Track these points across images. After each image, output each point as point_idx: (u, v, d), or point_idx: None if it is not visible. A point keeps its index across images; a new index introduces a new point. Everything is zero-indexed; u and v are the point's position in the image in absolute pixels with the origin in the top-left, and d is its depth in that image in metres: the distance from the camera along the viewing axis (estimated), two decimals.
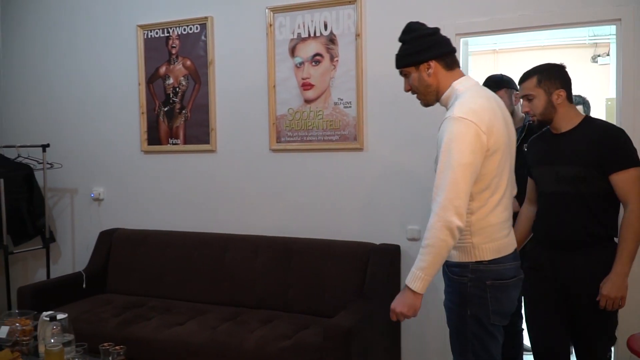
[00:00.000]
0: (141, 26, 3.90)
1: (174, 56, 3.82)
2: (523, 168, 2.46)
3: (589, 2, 2.85)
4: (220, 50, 3.70)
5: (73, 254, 4.28)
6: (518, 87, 2.45)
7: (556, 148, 2.31)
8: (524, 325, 2.59)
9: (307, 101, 3.46)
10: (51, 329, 2.24)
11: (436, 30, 2.08)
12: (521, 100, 2.45)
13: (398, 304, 1.95)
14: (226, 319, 3.13)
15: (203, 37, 3.72)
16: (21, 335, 2.41)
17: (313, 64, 3.42)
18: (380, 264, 3.13)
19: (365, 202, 3.37)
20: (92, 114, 4.14)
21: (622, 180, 2.18)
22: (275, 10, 3.49)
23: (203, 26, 3.71)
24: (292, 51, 3.47)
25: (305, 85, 3.45)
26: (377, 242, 3.28)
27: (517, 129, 2.50)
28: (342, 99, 3.37)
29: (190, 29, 3.76)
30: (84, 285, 3.66)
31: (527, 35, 4.79)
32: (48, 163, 4.06)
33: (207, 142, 3.76)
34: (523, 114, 2.85)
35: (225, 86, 3.70)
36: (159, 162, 3.95)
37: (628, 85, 2.79)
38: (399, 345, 3.31)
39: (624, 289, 2.18)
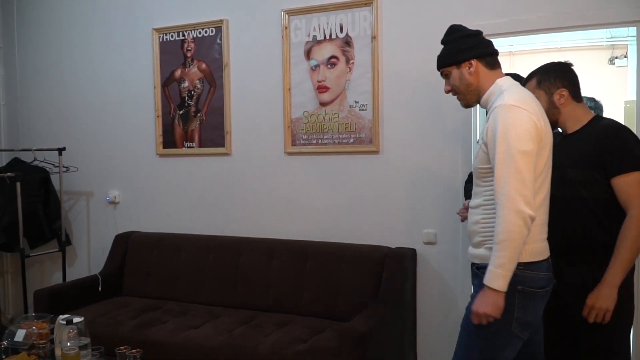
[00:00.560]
0: (156, 29, 3.91)
1: (189, 59, 3.83)
2: None
3: (607, 4, 2.80)
4: (236, 53, 3.70)
5: (89, 257, 4.29)
6: None
7: (563, 150, 2.18)
8: None
9: (323, 104, 3.44)
10: (67, 332, 2.24)
11: (478, 32, 2.08)
12: None
13: (481, 305, 1.85)
14: (241, 323, 3.12)
15: (218, 40, 3.72)
16: (38, 339, 2.41)
17: (329, 66, 3.41)
18: (396, 268, 3.10)
19: (381, 206, 3.35)
20: (108, 118, 4.16)
21: (624, 184, 2.03)
22: (291, 12, 3.48)
23: (218, 29, 3.71)
24: (308, 54, 3.46)
25: (321, 88, 3.44)
26: (393, 246, 3.25)
27: None
28: (357, 102, 3.35)
29: (206, 32, 3.76)
30: (100, 289, 3.67)
31: (544, 37, 4.74)
32: (64, 166, 4.08)
33: (222, 145, 3.76)
34: None
35: (241, 89, 3.70)
36: (174, 165, 3.95)
37: None
38: (414, 350, 3.27)
39: (611, 301, 2.01)
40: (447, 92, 2.13)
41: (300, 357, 2.70)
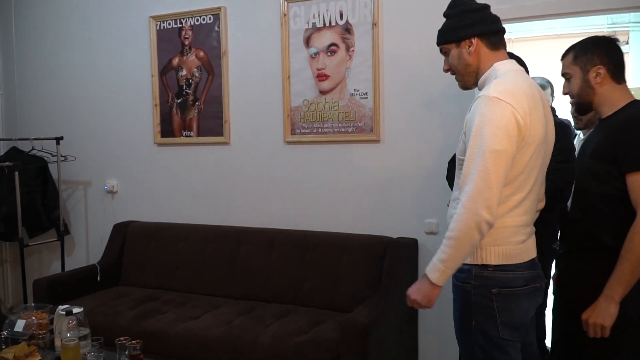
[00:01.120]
0: (154, 17, 3.85)
1: (187, 47, 3.78)
2: None
3: None
4: (234, 41, 3.65)
5: (87, 246, 4.28)
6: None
7: (591, 138, 1.97)
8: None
9: (322, 92, 3.41)
10: (67, 323, 2.24)
11: (485, 7, 1.89)
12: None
13: (414, 291, 1.83)
14: (241, 313, 3.11)
15: (216, 28, 3.67)
16: (37, 329, 2.39)
17: (328, 54, 3.37)
18: (397, 258, 3.09)
19: (381, 195, 3.32)
20: (105, 107, 4.12)
21: (636, 182, 1.79)
22: None
23: (216, 16, 3.66)
24: (307, 41, 3.42)
25: (321, 76, 3.40)
26: (394, 236, 3.23)
27: None
28: (358, 90, 3.31)
29: (204, 19, 3.71)
30: (99, 278, 3.65)
31: (544, 24, 4.68)
32: (62, 156, 4.05)
33: (220, 134, 3.73)
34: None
35: (239, 77, 3.66)
36: (173, 155, 3.92)
37: None
38: (416, 341, 3.26)
39: (608, 317, 1.79)
40: (446, 71, 1.97)
41: (301, 348, 2.68)
